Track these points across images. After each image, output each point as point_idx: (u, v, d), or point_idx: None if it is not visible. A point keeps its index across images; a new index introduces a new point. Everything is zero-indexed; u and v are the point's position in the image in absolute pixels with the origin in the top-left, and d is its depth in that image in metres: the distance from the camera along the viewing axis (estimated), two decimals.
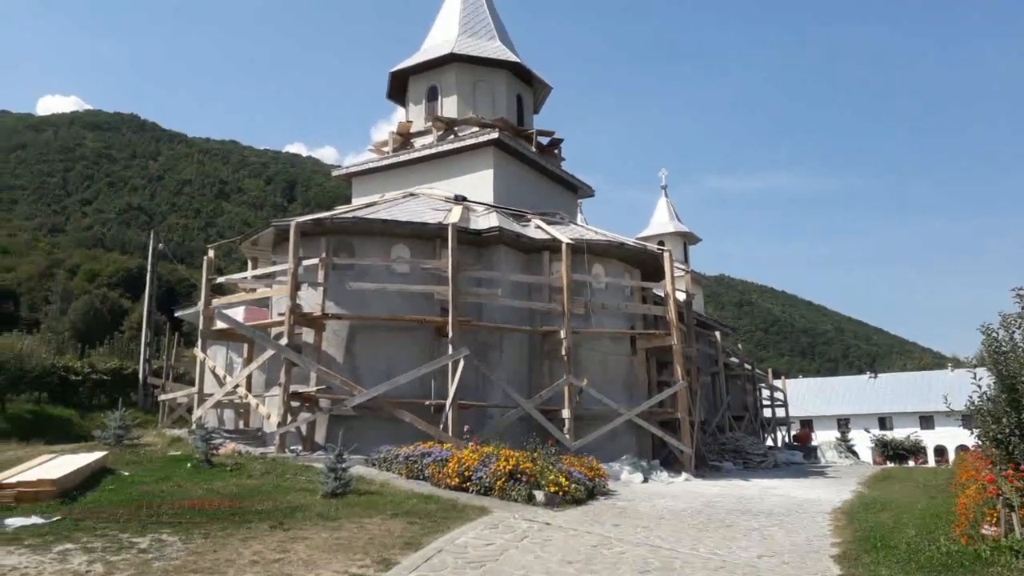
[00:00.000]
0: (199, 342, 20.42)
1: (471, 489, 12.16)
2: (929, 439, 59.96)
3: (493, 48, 26.22)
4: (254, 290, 20.32)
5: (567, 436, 17.41)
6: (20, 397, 28.31)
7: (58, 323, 58.83)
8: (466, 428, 15.93)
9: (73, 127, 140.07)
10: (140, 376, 30.94)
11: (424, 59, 26.03)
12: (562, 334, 18.22)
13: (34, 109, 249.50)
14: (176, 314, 30.84)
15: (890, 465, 34.46)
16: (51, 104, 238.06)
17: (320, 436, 17.06)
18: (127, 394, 29.90)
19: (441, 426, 16.34)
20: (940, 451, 63.66)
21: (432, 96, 25.97)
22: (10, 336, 30.43)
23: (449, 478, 12.46)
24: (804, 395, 72.92)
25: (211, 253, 20.95)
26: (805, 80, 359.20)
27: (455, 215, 19.16)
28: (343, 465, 11.42)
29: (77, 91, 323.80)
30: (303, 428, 16.87)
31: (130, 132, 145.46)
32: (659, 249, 21.92)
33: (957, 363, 71.89)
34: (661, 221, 46.14)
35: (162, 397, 25.96)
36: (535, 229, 20.68)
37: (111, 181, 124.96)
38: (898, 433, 47.28)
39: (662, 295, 21.50)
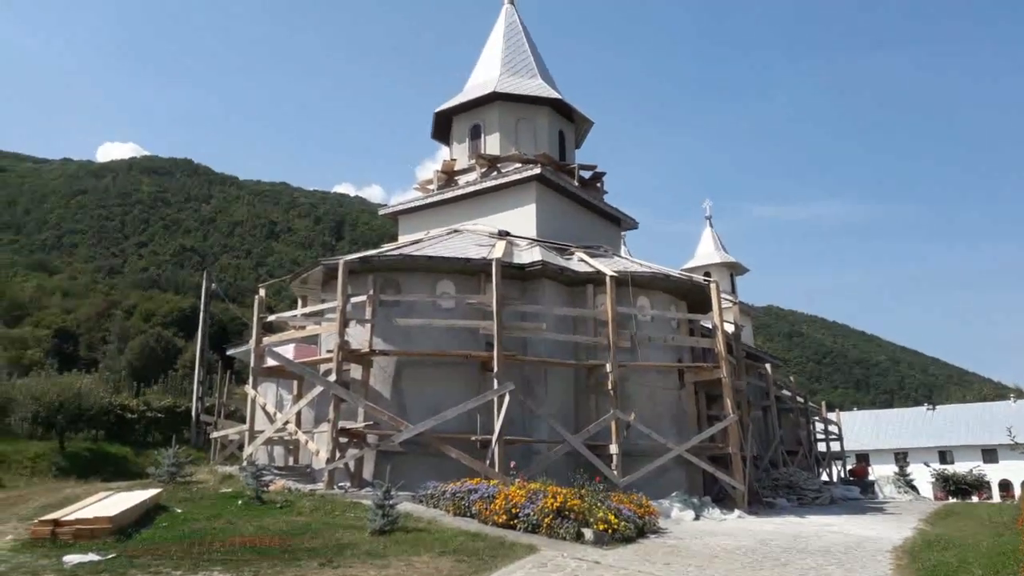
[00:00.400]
0: (250, 379, 20.75)
1: (519, 526, 12.05)
2: (993, 473, 57.77)
3: (534, 86, 26.54)
4: (303, 328, 20.63)
5: (615, 472, 17.19)
6: (78, 435, 28.97)
7: (115, 362, 60.32)
8: (512, 464, 15.85)
9: (131, 173, 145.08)
10: (193, 414, 31.48)
11: (467, 99, 26.44)
12: (608, 368, 18.09)
13: (95, 156, 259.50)
14: (228, 352, 31.45)
15: (952, 501, 33.23)
16: (110, 151, 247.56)
17: (368, 472, 17.13)
18: (180, 431, 30.39)
19: (487, 462, 16.29)
20: (1005, 486, 61.24)
21: (475, 134, 26.31)
22: (70, 375, 31.25)
23: (496, 515, 12.37)
24: (859, 428, 71.09)
25: (262, 292, 21.37)
26: (853, 108, 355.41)
27: (499, 250, 19.28)
28: (390, 502, 11.43)
29: (135, 138, 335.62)
30: (351, 464, 16.97)
31: (184, 176, 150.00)
32: (705, 280, 21.70)
33: (1020, 394, 69.56)
34: (707, 252, 45.74)
35: (214, 434, 26.38)
36: (579, 262, 20.68)
37: (166, 224, 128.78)
38: (959, 467, 45.63)
39: (710, 327, 21.25)
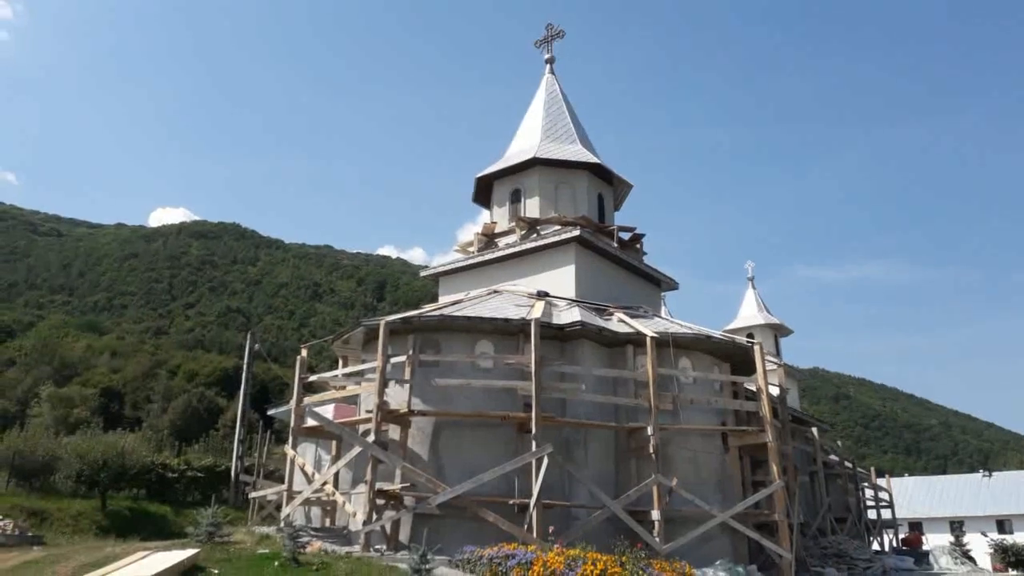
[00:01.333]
0: (290, 439, 20.82)
1: None
2: None
3: (574, 151, 26.89)
4: (344, 387, 20.74)
5: (657, 539, 16.74)
6: (120, 494, 29.25)
7: (158, 421, 61.11)
8: (551, 529, 15.56)
9: (180, 236, 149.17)
10: (232, 473, 31.60)
11: (508, 164, 26.85)
12: (649, 431, 17.78)
13: (147, 221, 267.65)
14: (268, 412, 31.69)
15: (1012, 572, 31.71)
16: (162, 216, 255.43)
17: (404, 535, 16.94)
18: (220, 491, 30.52)
19: (525, 526, 16.00)
20: None
21: (516, 198, 26.62)
22: (114, 434, 31.72)
23: None
24: (911, 495, 68.59)
25: (304, 352, 21.58)
26: (896, 170, 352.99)
27: (537, 310, 19.28)
28: (427, 566, 11.29)
29: (186, 203, 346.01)
30: (387, 527, 16.81)
31: (231, 240, 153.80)
32: (748, 342, 21.40)
33: None
34: (749, 313, 45.22)
35: (253, 494, 26.39)
36: (618, 323, 20.56)
37: (212, 286, 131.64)
38: (1019, 537, 43.63)
39: (754, 390, 20.86)
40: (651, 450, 17.65)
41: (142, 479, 29.57)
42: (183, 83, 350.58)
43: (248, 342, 33.85)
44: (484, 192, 28.08)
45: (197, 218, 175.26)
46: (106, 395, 66.94)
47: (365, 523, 16.17)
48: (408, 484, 16.98)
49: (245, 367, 33.41)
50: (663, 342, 18.99)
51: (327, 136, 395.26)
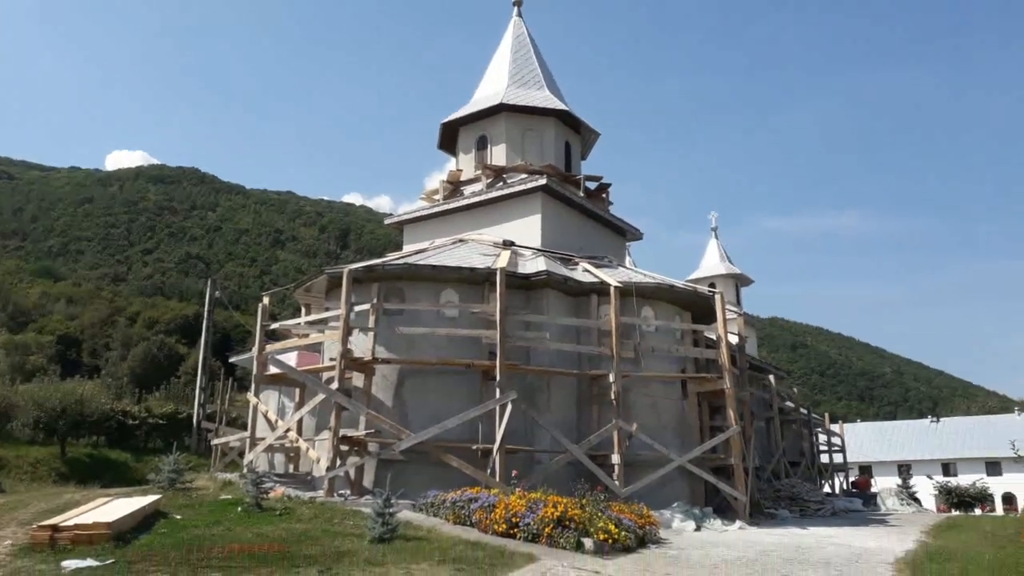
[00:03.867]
0: (252, 387, 20.76)
1: (518, 536, 12.02)
2: (996, 486, 57.50)
3: (542, 97, 26.60)
4: (307, 336, 20.65)
5: (617, 482, 17.13)
6: (80, 441, 29.01)
7: (117, 369, 60.44)
8: (514, 473, 15.80)
9: (138, 181, 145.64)
10: (194, 420, 31.49)
11: (474, 110, 26.49)
12: (611, 378, 18.05)
13: (103, 164, 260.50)
14: (231, 360, 31.47)
15: (955, 513, 33.03)
16: (119, 159, 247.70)
17: (368, 481, 17.10)
18: (181, 438, 30.43)
19: (488, 471, 16.25)
20: (1008, 499, 60.95)
21: (482, 145, 26.35)
22: (72, 382, 31.32)
23: (496, 524, 12.34)
24: (863, 440, 70.81)
25: (266, 300, 21.39)
26: (864, 122, 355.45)
27: (503, 260, 19.27)
28: (390, 510, 11.40)
29: (144, 146, 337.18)
30: (351, 472, 16.95)
31: (191, 185, 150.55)
32: (710, 291, 21.68)
33: None
34: (712, 263, 45.74)
35: (215, 441, 26.36)
36: (583, 272, 20.67)
37: (172, 232, 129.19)
38: (963, 480, 45.31)
39: (714, 338, 21.20)
40: (612, 397, 17.93)
41: (102, 427, 29.32)
42: (141, 20, 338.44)
43: (209, 289, 33.46)
44: (450, 139, 27.72)
45: (155, 162, 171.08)
46: (63, 342, 65.91)
47: (329, 469, 16.28)
48: (372, 431, 17.08)
49: (206, 314, 33.06)
50: (626, 291, 19.15)
51: (292, 81, 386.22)
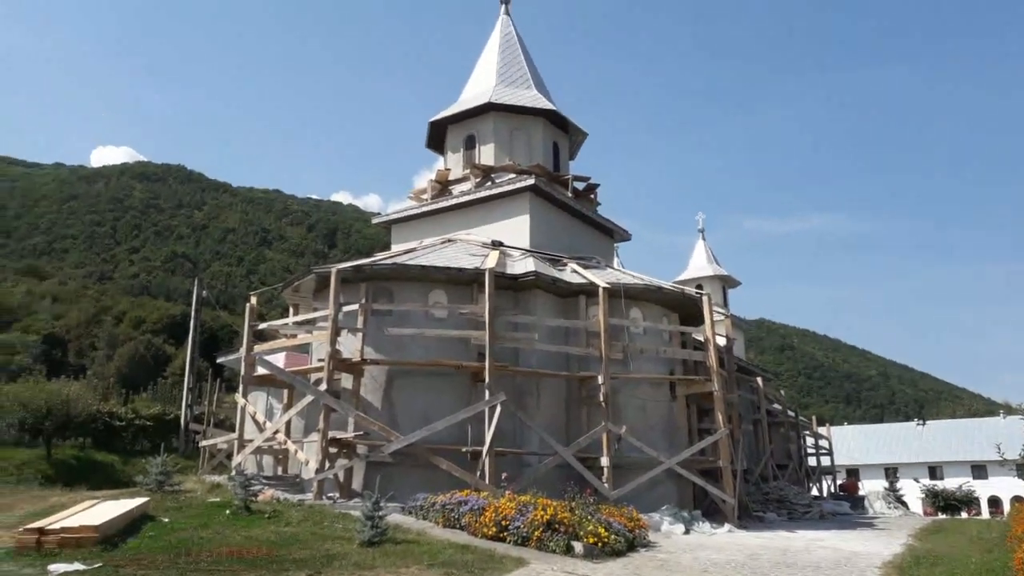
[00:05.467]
0: (240, 388, 20.65)
1: (508, 539, 12.00)
2: (982, 489, 57.83)
3: (530, 97, 26.60)
4: (295, 336, 20.56)
5: (606, 485, 17.14)
6: (66, 443, 28.73)
7: (104, 369, 59.91)
8: (504, 476, 15.79)
9: (123, 178, 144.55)
10: (182, 422, 31.28)
11: (462, 109, 26.47)
12: (600, 379, 18.06)
13: (88, 160, 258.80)
14: (218, 360, 31.29)
15: (941, 516, 33.26)
16: (104, 155, 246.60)
17: (357, 483, 17.05)
18: (169, 440, 30.22)
19: (478, 474, 16.22)
20: (994, 502, 61.32)
21: (470, 144, 26.33)
22: (58, 382, 31.01)
23: (486, 527, 12.32)
24: (850, 443, 71.12)
25: (253, 300, 21.28)
26: (848, 122, 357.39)
27: (492, 260, 19.26)
28: (380, 513, 11.36)
29: (130, 142, 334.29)
30: (340, 475, 16.89)
31: (177, 183, 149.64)
32: (697, 293, 21.74)
33: (1010, 410, 69.72)
34: (699, 265, 45.89)
35: (203, 443, 26.21)
36: (571, 273, 20.67)
37: (158, 230, 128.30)
38: (949, 483, 45.67)
39: (702, 340, 21.25)
40: (601, 398, 17.95)
41: (88, 428, 29.04)
42: (125, 13, 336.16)
43: (196, 289, 33.26)
44: (438, 138, 27.69)
45: (141, 158, 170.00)
46: (48, 342, 65.28)
47: (318, 471, 16.22)
48: (361, 432, 17.02)
49: (193, 314, 32.87)
50: (615, 293, 19.18)
51: (281, 78, 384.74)
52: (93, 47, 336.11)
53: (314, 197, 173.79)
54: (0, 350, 54.42)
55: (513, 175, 24.08)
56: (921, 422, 75.51)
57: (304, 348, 21.17)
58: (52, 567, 9.06)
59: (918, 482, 44.70)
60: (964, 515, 37.83)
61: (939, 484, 43.85)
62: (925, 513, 38.84)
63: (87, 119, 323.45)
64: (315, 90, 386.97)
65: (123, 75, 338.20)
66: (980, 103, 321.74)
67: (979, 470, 63.36)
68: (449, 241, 23.11)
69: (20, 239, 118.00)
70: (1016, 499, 47.84)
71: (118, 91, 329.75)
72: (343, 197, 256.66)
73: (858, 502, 33.11)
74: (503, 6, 29.74)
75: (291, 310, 22.72)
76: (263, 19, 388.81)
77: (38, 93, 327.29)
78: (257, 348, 20.40)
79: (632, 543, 12.91)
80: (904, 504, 36.43)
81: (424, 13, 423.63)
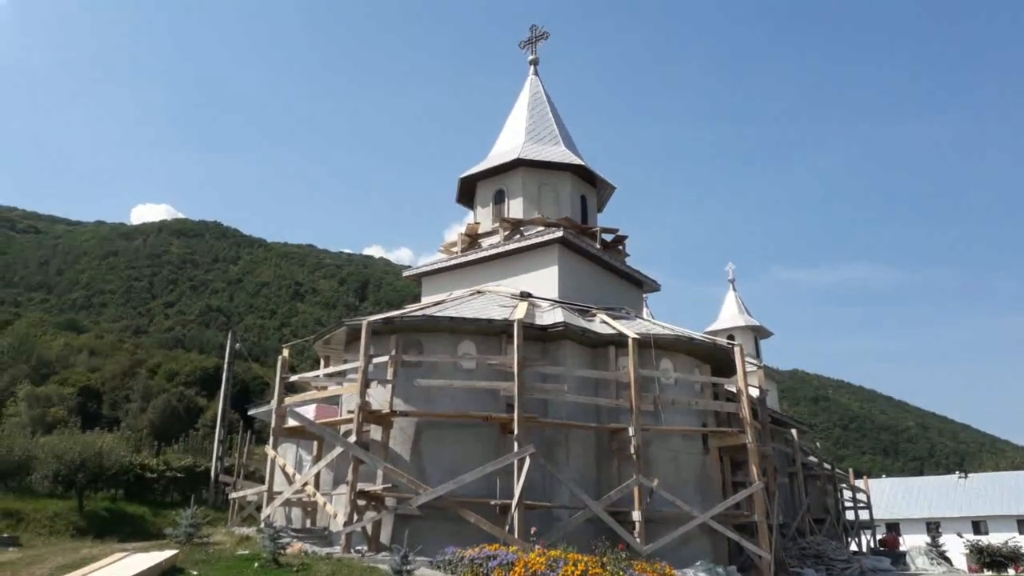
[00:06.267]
0: (271, 440, 20.70)
1: None
2: None
3: (558, 152, 26.94)
4: (325, 388, 20.66)
5: (638, 540, 16.81)
6: (98, 494, 28.94)
7: (137, 421, 60.48)
8: (533, 530, 15.57)
9: (161, 235, 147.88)
10: (212, 474, 31.37)
11: (492, 165, 26.85)
12: (631, 431, 17.85)
13: (128, 218, 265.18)
14: (249, 412, 31.45)
15: (987, 573, 32.09)
16: (144, 212, 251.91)
17: (385, 536, 16.90)
18: (199, 491, 30.29)
19: (507, 527, 16.02)
20: None
21: (499, 199, 26.63)
22: (92, 434, 31.39)
23: None
24: (889, 496, 69.17)
25: (285, 352, 21.44)
26: (882, 175, 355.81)
27: (520, 311, 19.29)
28: (408, 567, 11.27)
29: (169, 199, 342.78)
30: (369, 528, 16.76)
31: (213, 239, 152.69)
32: (729, 343, 21.52)
33: None
34: (730, 315, 45.47)
35: (233, 495, 26.21)
36: (600, 324, 20.62)
37: (193, 285, 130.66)
38: (994, 538, 44.00)
39: (734, 391, 20.98)
40: (632, 451, 17.72)
41: (120, 479, 29.28)
42: (165, 78, 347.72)
43: (229, 341, 33.62)
44: (468, 193, 28.05)
45: (179, 215, 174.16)
46: (84, 394, 66.14)
47: (346, 524, 16.12)
48: (390, 485, 16.94)
49: (226, 366, 33.16)
50: (645, 343, 19.06)
51: (316, 138, 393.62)
52: (134, 108, 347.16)
53: (347, 251, 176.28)
54: (37, 402, 55.25)
55: (541, 228, 24.25)
56: (963, 475, 73.27)
57: (334, 400, 21.23)
58: None
59: (962, 537, 43.26)
60: (1011, 572, 36.43)
61: (984, 539, 42.33)
62: (970, 570, 37.48)
63: (128, 177, 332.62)
64: (347, 148, 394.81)
65: (164, 136, 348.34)
66: (1007, 155, 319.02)
67: None
68: (478, 293, 23.22)
69: (60, 294, 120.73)
70: None
71: (158, 152, 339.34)
72: (375, 251, 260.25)
73: (899, 558, 32.09)
74: (532, 67, 30.37)
75: (322, 362, 22.86)
76: (294, 83, 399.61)
77: (81, 152, 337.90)
78: (288, 400, 20.50)
79: None
80: (948, 560, 35.17)
81: (458, 68, 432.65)
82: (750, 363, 26.06)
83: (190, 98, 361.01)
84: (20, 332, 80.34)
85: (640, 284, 27.29)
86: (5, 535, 19.37)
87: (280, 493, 19.08)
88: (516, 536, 15.54)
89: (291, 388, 21.93)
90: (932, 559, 32.28)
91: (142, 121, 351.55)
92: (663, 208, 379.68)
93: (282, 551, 13.95)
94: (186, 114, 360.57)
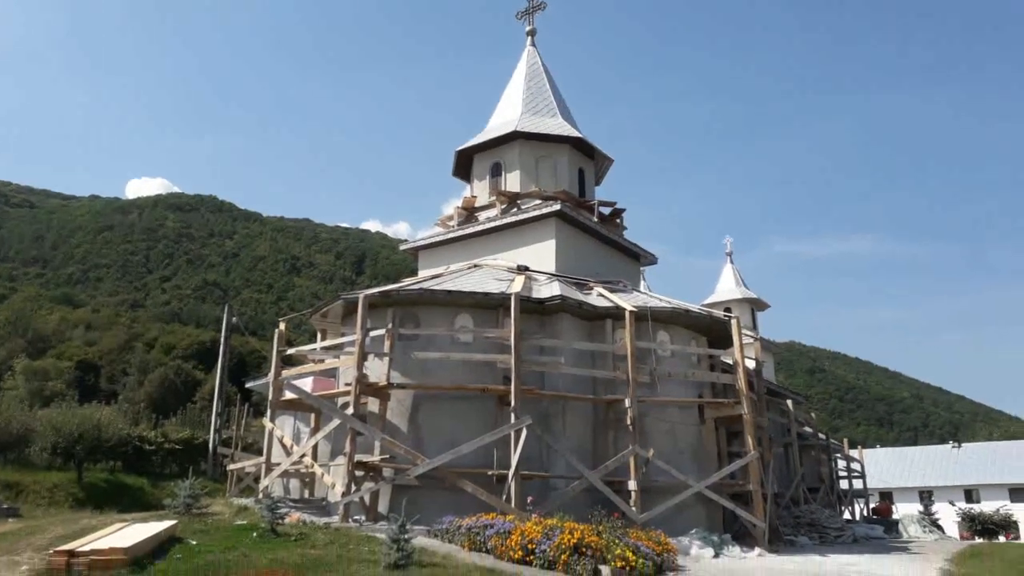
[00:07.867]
0: (268, 412, 20.80)
1: (535, 563, 11.92)
2: (1020, 513, 56.20)
3: (555, 125, 26.77)
4: (322, 361, 20.71)
5: (633, 509, 16.98)
6: (96, 466, 29.09)
7: (135, 394, 60.63)
8: (529, 499, 15.70)
9: (156, 209, 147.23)
10: (210, 446, 31.53)
11: (489, 137, 26.68)
12: (627, 403, 17.95)
13: (123, 192, 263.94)
14: (247, 385, 31.55)
15: (978, 541, 32.44)
16: (138, 187, 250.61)
17: (383, 506, 17.04)
18: (197, 463, 30.43)
19: (504, 497, 16.15)
20: None
21: (496, 172, 26.50)
22: (90, 407, 31.47)
23: (512, 551, 12.24)
24: (883, 466, 69.74)
25: (282, 326, 21.47)
26: (880, 146, 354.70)
27: (518, 284, 19.30)
28: (405, 536, 11.34)
29: (164, 173, 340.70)
30: (366, 498, 16.89)
31: (208, 212, 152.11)
32: (726, 316, 21.58)
33: None
34: (727, 288, 45.53)
35: (231, 466, 26.38)
36: (597, 297, 20.64)
37: (189, 259, 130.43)
38: (986, 506, 44.56)
39: (730, 363, 21.06)
40: (628, 422, 17.83)
41: (119, 452, 29.40)
42: (161, 53, 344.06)
43: (225, 315, 33.62)
44: (465, 166, 27.91)
45: (174, 190, 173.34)
46: (81, 368, 66.27)
47: (344, 494, 16.24)
48: (387, 456, 17.05)
49: (223, 340, 33.20)
50: (642, 316, 19.10)
51: (312, 111, 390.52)
52: (129, 82, 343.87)
53: (343, 225, 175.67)
54: (35, 375, 55.35)
55: (539, 201, 24.18)
56: (957, 444, 73.89)
57: (331, 373, 21.30)
58: None
59: (954, 505, 43.71)
60: (1002, 539, 36.87)
61: (976, 507, 42.84)
62: (962, 537, 37.92)
63: (122, 152, 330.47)
64: (347, 122, 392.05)
65: (157, 109, 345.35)
66: (1007, 127, 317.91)
67: (1017, 493, 61.72)
68: (475, 266, 23.21)
69: (56, 268, 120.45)
70: None
71: (152, 124, 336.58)
72: (372, 225, 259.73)
73: (892, 526, 32.43)
74: (529, 38, 30.05)
75: (319, 336, 22.90)
76: (292, 53, 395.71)
77: (76, 127, 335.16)
78: (285, 373, 20.55)
79: (660, 567, 12.77)
80: (940, 528, 35.62)
81: (454, 40, 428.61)
82: (746, 335, 26.14)
83: (185, 73, 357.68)
84: (16, 306, 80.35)
85: (637, 257, 27.28)
86: (5, 506, 19.47)
87: (278, 464, 19.21)
88: (513, 505, 15.67)
89: (288, 361, 21.97)
90: (925, 527, 32.67)
91: (137, 95, 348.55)
92: (661, 181, 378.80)
93: (280, 521, 14.05)
94: (180, 89, 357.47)
